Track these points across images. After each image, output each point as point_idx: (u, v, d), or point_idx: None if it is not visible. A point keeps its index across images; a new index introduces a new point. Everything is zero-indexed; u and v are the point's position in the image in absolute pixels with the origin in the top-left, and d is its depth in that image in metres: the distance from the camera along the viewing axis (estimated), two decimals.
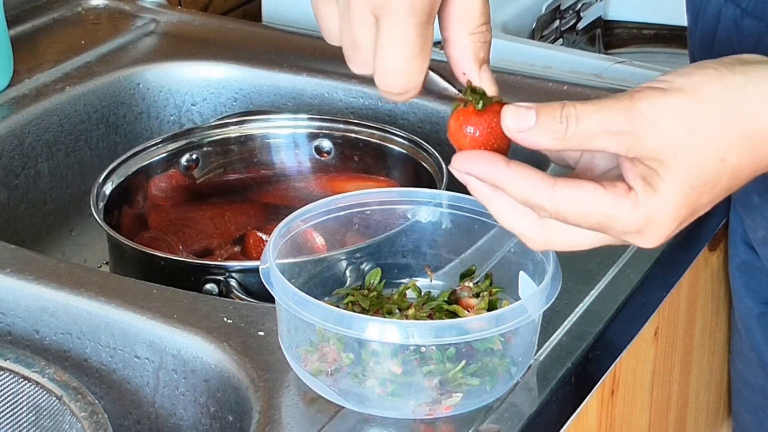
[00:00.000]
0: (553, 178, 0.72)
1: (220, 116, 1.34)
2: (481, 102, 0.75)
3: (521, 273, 0.90)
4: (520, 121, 0.72)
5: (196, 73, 1.36)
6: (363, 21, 0.75)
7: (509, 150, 0.75)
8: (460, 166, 0.74)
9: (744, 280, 1.12)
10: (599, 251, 1.01)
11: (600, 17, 1.74)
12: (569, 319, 0.93)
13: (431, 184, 1.14)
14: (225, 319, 0.92)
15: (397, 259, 0.97)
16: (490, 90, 0.78)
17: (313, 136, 1.25)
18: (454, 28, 0.78)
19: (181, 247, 1.19)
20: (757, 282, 1.11)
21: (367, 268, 0.98)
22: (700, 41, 1.05)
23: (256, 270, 0.89)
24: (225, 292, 1.02)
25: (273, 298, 0.86)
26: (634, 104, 0.71)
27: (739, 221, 1.11)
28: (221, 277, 1.03)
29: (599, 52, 1.71)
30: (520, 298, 0.89)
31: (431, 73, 0.78)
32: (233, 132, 1.25)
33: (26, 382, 0.86)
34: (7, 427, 0.87)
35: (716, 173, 0.72)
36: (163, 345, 0.92)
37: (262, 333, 0.91)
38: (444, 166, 1.15)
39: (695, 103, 0.71)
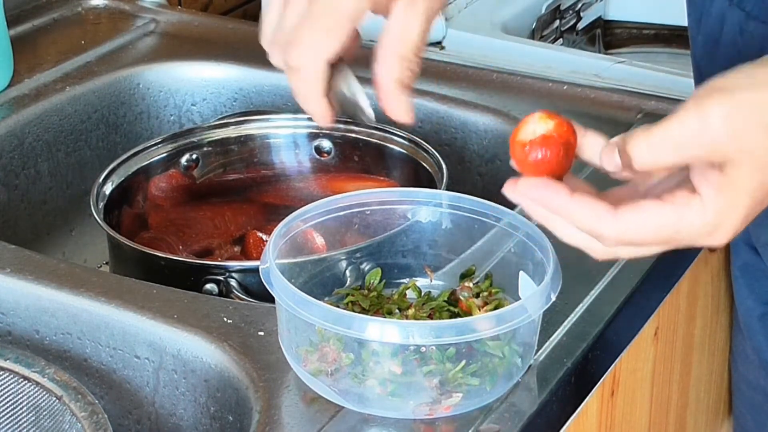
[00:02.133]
0: (613, 207, 0.73)
1: (220, 116, 1.34)
2: (544, 124, 0.75)
3: (521, 273, 0.90)
4: (613, 164, 0.75)
5: (196, 73, 1.36)
6: (298, 7, 0.80)
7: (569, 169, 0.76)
8: (524, 191, 0.75)
9: (746, 281, 1.12)
10: None
11: (600, 17, 1.74)
12: (569, 319, 0.93)
13: (431, 184, 1.14)
14: (225, 319, 0.92)
15: (397, 259, 0.97)
16: (403, 117, 0.81)
17: (313, 136, 1.25)
18: (387, 49, 0.81)
19: (181, 247, 1.19)
20: (759, 283, 1.11)
21: (367, 268, 0.98)
22: (703, 45, 1.05)
23: (256, 270, 0.89)
24: (225, 292, 1.02)
25: (273, 298, 0.86)
26: (702, 112, 0.71)
27: None
28: (221, 277, 1.03)
29: (599, 52, 1.71)
30: (520, 298, 0.89)
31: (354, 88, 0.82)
32: (233, 132, 1.25)
33: (26, 382, 0.86)
34: (7, 427, 0.87)
35: None
36: (163, 345, 0.92)
37: (262, 333, 0.91)
38: (444, 166, 1.14)
39: (762, 99, 0.71)
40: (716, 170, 0.72)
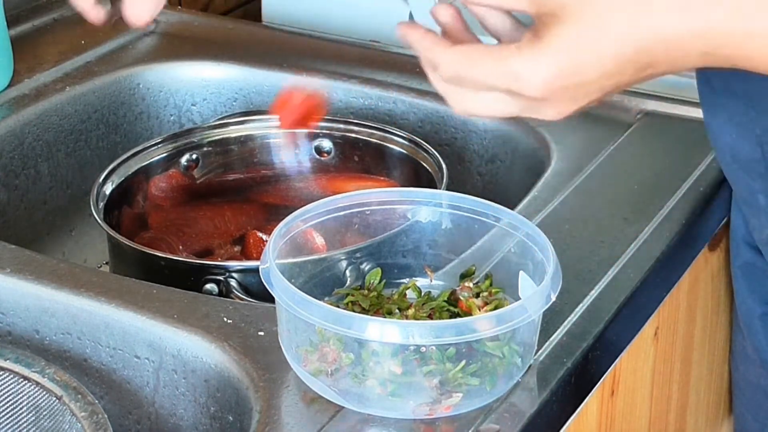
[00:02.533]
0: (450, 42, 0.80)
1: (220, 116, 1.34)
2: None
3: (521, 273, 0.90)
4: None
5: (196, 73, 1.36)
6: None
7: None
8: (402, 30, 0.82)
9: (746, 281, 1.12)
10: (599, 251, 1.02)
11: None
12: (569, 319, 0.93)
13: (431, 184, 1.14)
14: (225, 319, 0.92)
15: (397, 259, 0.97)
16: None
17: (313, 136, 1.25)
18: None
19: (181, 247, 1.19)
20: (760, 283, 1.11)
21: (367, 268, 0.98)
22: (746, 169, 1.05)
23: (256, 270, 0.89)
24: (225, 292, 1.02)
25: (273, 298, 0.86)
26: None
27: (740, 221, 1.11)
28: (221, 277, 1.03)
29: None
30: (520, 298, 0.89)
31: None
32: (233, 132, 1.25)
33: (26, 382, 0.86)
34: (7, 427, 0.87)
35: (600, 30, 0.74)
36: (163, 345, 0.92)
37: (262, 333, 0.91)
38: (444, 166, 1.15)
39: None
40: (538, 20, 0.76)
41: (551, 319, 0.92)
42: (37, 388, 0.85)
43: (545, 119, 0.79)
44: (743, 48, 0.75)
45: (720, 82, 0.95)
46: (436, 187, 1.12)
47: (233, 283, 1.02)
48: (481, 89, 0.79)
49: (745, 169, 0.99)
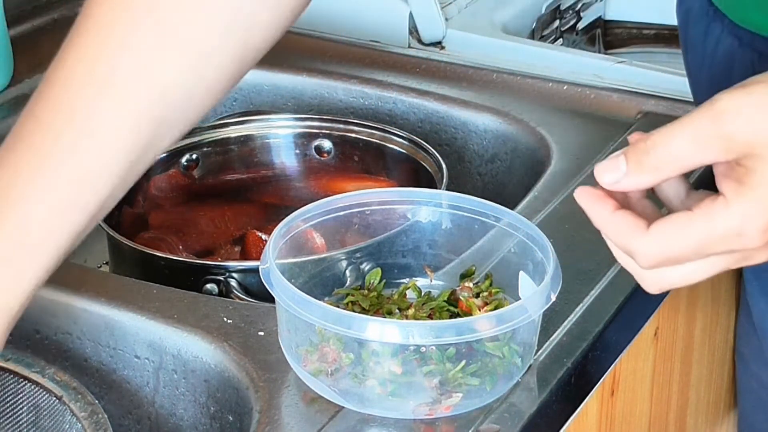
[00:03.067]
0: (646, 224, 0.71)
1: (220, 116, 1.34)
2: None
3: (521, 273, 0.90)
4: (614, 173, 0.71)
5: None
6: None
7: None
8: (577, 197, 0.74)
9: (759, 284, 1.11)
10: (599, 251, 1.01)
11: (600, 17, 1.73)
12: (569, 319, 0.93)
13: (431, 184, 1.14)
14: (225, 319, 0.92)
15: (397, 259, 0.97)
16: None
17: (313, 136, 1.25)
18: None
19: (181, 247, 1.18)
20: None
21: (367, 268, 0.98)
22: (709, 86, 1.04)
23: (256, 270, 0.89)
24: (225, 292, 1.02)
25: (273, 298, 0.86)
26: (715, 105, 0.69)
27: None
28: (221, 277, 1.03)
29: (599, 52, 1.71)
30: (520, 298, 0.89)
31: None
32: (233, 132, 1.25)
33: (26, 382, 0.86)
34: (7, 427, 0.87)
35: None
36: (163, 345, 0.92)
37: (262, 333, 0.91)
38: (444, 166, 1.14)
39: None
40: (738, 166, 0.69)
41: (551, 319, 0.92)
42: (37, 388, 0.85)
43: (760, 262, 0.73)
44: None
45: (707, 95, 0.95)
46: (436, 187, 1.12)
47: (233, 283, 1.02)
48: (692, 261, 0.72)
49: None
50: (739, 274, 1.22)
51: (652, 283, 0.74)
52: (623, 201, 0.74)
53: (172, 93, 0.81)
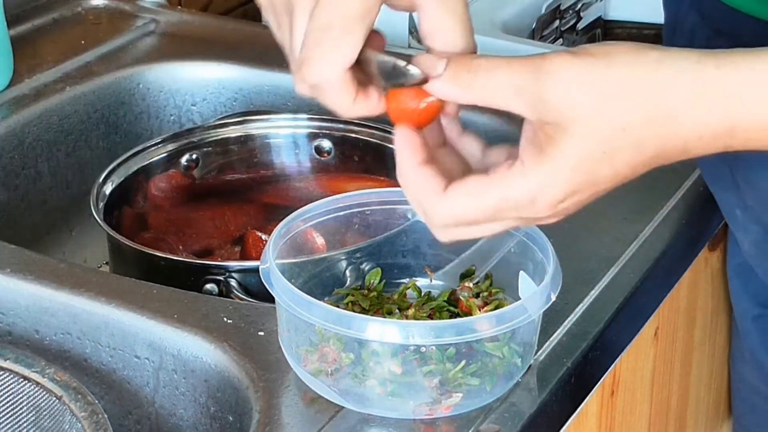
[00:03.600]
0: (442, 187, 0.72)
1: (220, 116, 1.34)
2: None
3: (521, 273, 0.90)
4: (430, 67, 0.71)
5: (196, 73, 1.36)
6: (302, 20, 0.74)
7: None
8: (397, 137, 0.74)
9: (741, 282, 1.12)
10: (599, 251, 1.02)
11: (600, 17, 1.74)
12: (569, 319, 0.93)
13: None
14: (225, 319, 0.92)
15: (397, 259, 0.97)
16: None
17: (313, 136, 1.25)
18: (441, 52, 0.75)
19: (181, 247, 1.19)
20: (754, 284, 1.11)
21: (367, 268, 0.98)
22: None
23: (256, 270, 0.89)
24: (225, 292, 1.02)
25: (273, 298, 0.86)
26: (543, 63, 0.70)
27: None
28: (221, 277, 1.03)
29: None
30: (520, 298, 0.89)
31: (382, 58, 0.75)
32: (233, 132, 1.25)
33: (26, 382, 0.86)
34: (7, 427, 0.87)
35: (616, 142, 0.69)
36: (163, 345, 0.92)
37: (262, 333, 0.91)
38: None
39: (604, 68, 0.69)
40: (541, 131, 0.69)
41: (551, 319, 0.92)
42: (37, 388, 0.85)
43: (544, 224, 0.75)
44: (763, 139, 0.70)
45: None
46: None
47: (233, 283, 1.02)
48: (484, 222, 0.73)
49: (720, 185, 1.00)
50: None
51: (446, 236, 0.75)
52: (434, 147, 0.75)
53: None
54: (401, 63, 0.74)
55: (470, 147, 0.77)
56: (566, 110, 0.69)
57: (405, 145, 0.73)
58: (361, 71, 0.74)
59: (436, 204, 0.72)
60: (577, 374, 0.90)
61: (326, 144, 1.24)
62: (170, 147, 1.21)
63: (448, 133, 0.77)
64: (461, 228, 0.74)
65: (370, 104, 0.75)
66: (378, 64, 0.75)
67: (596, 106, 0.69)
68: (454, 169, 0.75)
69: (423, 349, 0.82)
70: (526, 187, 0.70)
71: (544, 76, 0.69)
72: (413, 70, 0.73)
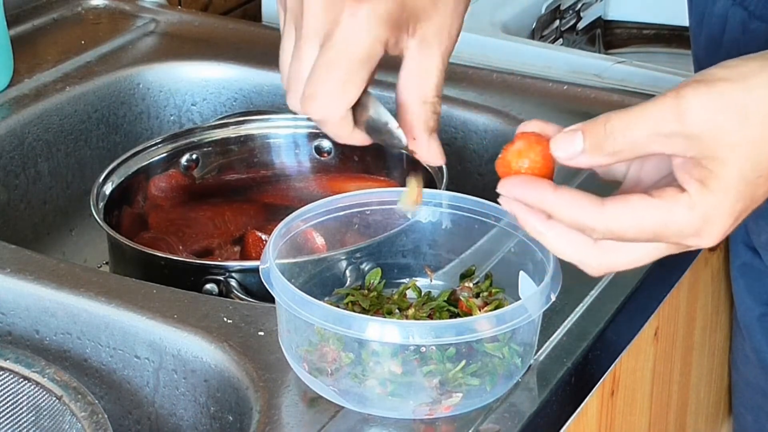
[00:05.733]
0: (600, 198, 0.72)
1: (220, 116, 1.34)
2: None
3: (521, 273, 0.90)
4: (569, 148, 0.72)
5: (196, 73, 1.36)
6: (310, 50, 0.77)
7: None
8: (508, 191, 0.74)
9: (745, 282, 1.12)
10: None
11: (600, 17, 1.74)
12: (569, 319, 0.93)
13: (431, 184, 1.14)
14: (225, 319, 0.92)
15: (397, 259, 0.97)
16: (435, 160, 0.82)
17: (313, 136, 1.25)
18: (408, 94, 0.80)
19: (181, 247, 1.19)
20: (759, 283, 1.11)
21: (367, 268, 0.98)
22: (705, 45, 1.05)
23: (256, 270, 0.89)
24: (225, 292, 1.02)
25: (273, 298, 0.86)
26: (681, 101, 0.69)
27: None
28: (221, 277, 1.03)
29: (599, 52, 1.71)
30: (520, 298, 0.89)
31: (383, 117, 0.80)
32: (233, 132, 1.25)
33: (26, 382, 0.86)
34: (7, 427, 0.87)
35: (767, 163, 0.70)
36: (163, 345, 0.92)
37: (262, 333, 0.91)
38: (444, 166, 1.14)
39: (743, 92, 0.69)
40: (699, 166, 0.70)
41: (551, 319, 0.92)
42: (37, 388, 0.85)
43: (703, 247, 0.74)
44: None
45: None
46: (436, 187, 1.12)
47: (233, 283, 1.02)
48: (641, 242, 0.73)
49: None
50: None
51: (597, 266, 0.74)
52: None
53: None
54: (393, 125, 0.79)
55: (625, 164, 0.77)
56: (720, 143, 0.69)
57: (526, 183, 0.74)
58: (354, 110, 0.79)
59: (598, 214, 0.71)
60: (577, 374, 0.90)
61: (326, 144, 1.24)
62: (170, 147, 1.21)
63: None
64: (620, 253, 0.73)
65: (362, 137, 0.80)
66: (372, 117, 0.80)
67: (745, 133, 0.69)
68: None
69: (423, 349, 0.82)
70: (692, 219, 0.71)
71: (685, 113, 0.69)
72: (401, 136, 0.80)
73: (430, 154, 0.81)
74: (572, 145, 0.72)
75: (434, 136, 0.81)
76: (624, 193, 0.73)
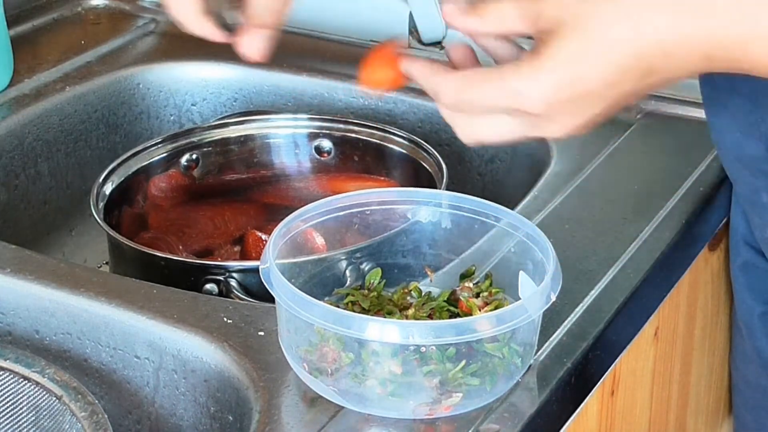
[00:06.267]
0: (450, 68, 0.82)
1: (220, 116, 1.34)
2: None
3: (521, 273, 0.90)
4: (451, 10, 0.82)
5: (196, 73, 1.36)
6: None
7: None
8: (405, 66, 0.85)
9: (746, 280, 1.12)
10: (599, 251, 1.02)
11: None
12: (569, 319, 0.93)
13: (431, 184, 1.14)
14: (225, 319, 0.92)
15: (397, 259, 0.97)
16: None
17: (313, 136, 1.25)
18: None
19: (181, 247, 1.19)
20: (760, 282, 1.11)
21: (367, 268, 0.98)
22: None
23: (256, 270, 0.89)
24: (225, 292, 1.02)
25: (273, 298, 0.86)
26: None
27: (740, 221, 1.11)
28: (221, 277, 1.03)
29: None
30: (520, 298, 0.89)
31: None
32: (233, 132, 1.25)
33: (26, 382, 0.86)
34: (7, 427, 0.87)
35: (601, 43, 0.74)
36: (163, 345, 0.92)
37: (262, 333, 0.91)
38: (444, 166, 1.15)
39: None
40: (539, 40, 0.76)
41: (551, 319, 0.92)
42: (37, 388, 0.85)
43: (552, 137, 0.79)
44: (745, 51, 0.74)
45: (724, 81, 0.95)
46: (436, 187, 1.12)
47: (233, 283, 1.02)
48: (484, 112, 0.79)
49: (749, 168, 0.99)
50: None
51: (463, 131, 0.81)
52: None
53: None
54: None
55: (500, 49, 0.84)
56: (559, 16, 0.75)
57: (416, 64, 0.85)
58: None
59: (443, 80, 0.80)
60: (577, 374, 0.90)
61: (326, 144, 1.24)
62: (170, 147, 1.21)
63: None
64: (478, 120, 0.80)
65: (213, 29, 0.88)
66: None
67: (586, 8, 0.74)
68: None
69: (423, 349, 0.82)
70: (515, 78, 0.76)
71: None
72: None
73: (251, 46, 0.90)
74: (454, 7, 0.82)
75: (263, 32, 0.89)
76: None
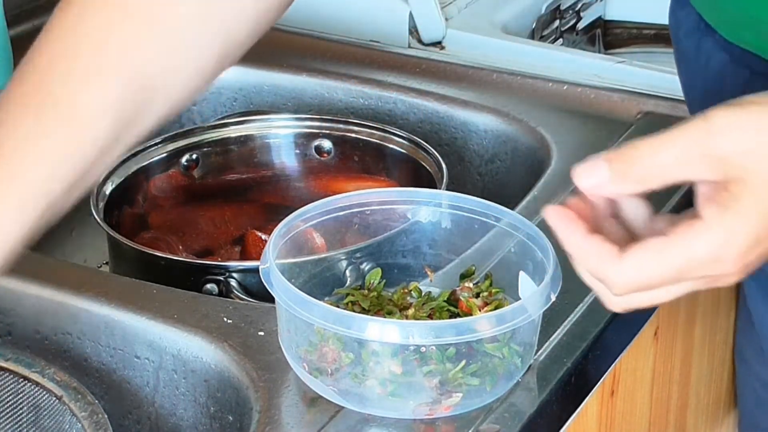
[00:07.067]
0: (618, 250, 0.69)
1: (220, 116, 1.34)
2: None
3: (521, 273, 0.90)
4: (592, 177, 0.70)
5: None
6: None
7: None
8: (548, 217, 0.72)
9: (758, 285, 1.11)
10: None
11: (600, 17, 1.73)
12: (569, 319, 0.93)
13: (431, 184, 1.14)
14: (225, 319, 0.92)
15: (397, 259, 0.97)
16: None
17: (313, 136, 1.25)
18: None
19: (181, 247, 1.19)
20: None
21: (367, 268, 0.98)
22: (702, 103, 1.03)
23: (256, 270, 0.89)
24: (225, 292, 1.02)
25: (273, 298, 0.86)
26: (708, 123, 0.68)
27: None
28: (221, 277, 1.03)
29: (599, 52, 1.71)
30: (520, 298, 0.89)
31: None
32: (233, 132, 1.25)
33: (26, 382, 0.86)
34: (7, 427, 0.87)
35: None
36: (163, 345, 0.92)
37: (262, 333, 0.91)
38: (444, 166, 1.14)
39: None
40: (724, 191, 0.67)
41: (551, 319, 0.92)
42: (37, 388, 0.86)
43: (729, 280, 0.71)
44: None
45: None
46: (436, 187, 1.12)
47: (233, 283, 1.02)
48: (668, 284, 0.70)
49: None
50: None
51: (618, 304, 0.73)
52: (592, 221, 0.72)
53: (147, 81, 0.79)
54: None
55: (636, 212, 0.73)
56: (748, 164, 0.67)
57: (564, 219, 0.72)
58: None
59: (616, 268, 0.69)
60: (577, 374, 0.90)
61: (326, 144, 1.24)
62: (170, 147, 1.21)
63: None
64: (643, 294, 0.71)
65: None
66: None
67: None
68: (619, 239, 0.72)
69: (423, 349, 0.82)
70: (711, 244, 0.68)
71: (714, 134, 0.67)
72: None
73: None
74: (595, 174, 0.70)
75: None
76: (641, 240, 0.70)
